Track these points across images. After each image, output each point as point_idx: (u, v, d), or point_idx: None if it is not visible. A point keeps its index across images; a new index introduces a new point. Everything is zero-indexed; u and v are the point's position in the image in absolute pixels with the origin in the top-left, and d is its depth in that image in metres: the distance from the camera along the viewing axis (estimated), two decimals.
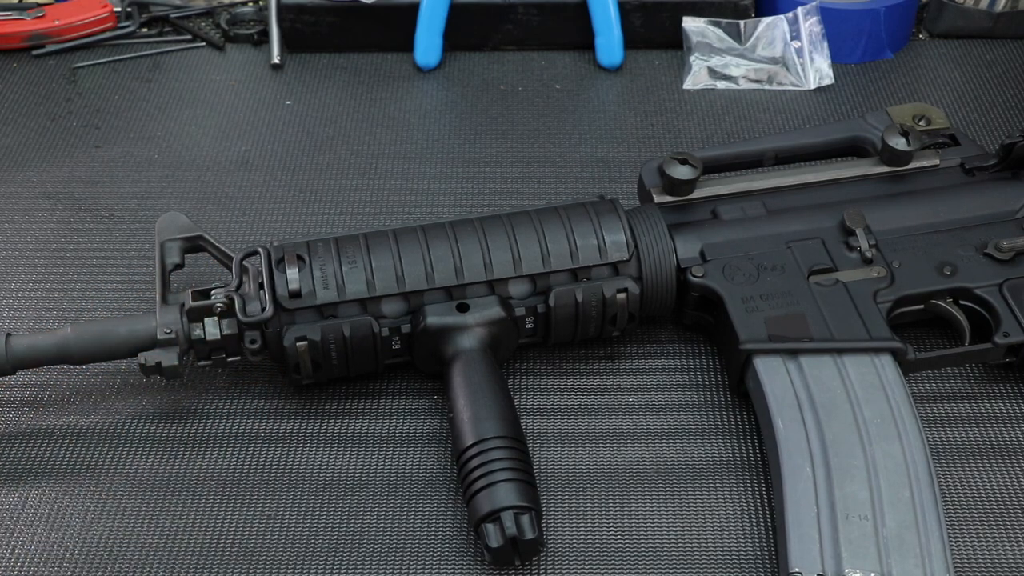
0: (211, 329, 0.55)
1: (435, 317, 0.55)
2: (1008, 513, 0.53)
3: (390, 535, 0.52)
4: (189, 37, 0.87)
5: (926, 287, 0.57)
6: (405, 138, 0.77)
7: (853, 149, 0.65)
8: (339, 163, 0.75)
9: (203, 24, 0.89)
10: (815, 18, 0.81)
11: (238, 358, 0.56)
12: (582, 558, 0.51)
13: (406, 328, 0.55)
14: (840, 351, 0.54)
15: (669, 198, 0.61)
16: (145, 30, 0.88)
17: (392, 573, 0.51)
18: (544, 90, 0.82)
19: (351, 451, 0.56)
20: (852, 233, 0.59)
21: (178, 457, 0.56)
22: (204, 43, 0.87)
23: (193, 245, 0.60)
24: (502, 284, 0.56)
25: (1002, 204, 0.61)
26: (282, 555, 0.51)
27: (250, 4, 0.89)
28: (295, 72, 0.84)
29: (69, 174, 0.75)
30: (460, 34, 0.84)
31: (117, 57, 0.85)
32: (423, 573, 0.51)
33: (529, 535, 0.48)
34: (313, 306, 0.55)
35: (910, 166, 0.62)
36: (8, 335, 0.55)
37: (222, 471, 0.55)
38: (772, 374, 0.54)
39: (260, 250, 0.57)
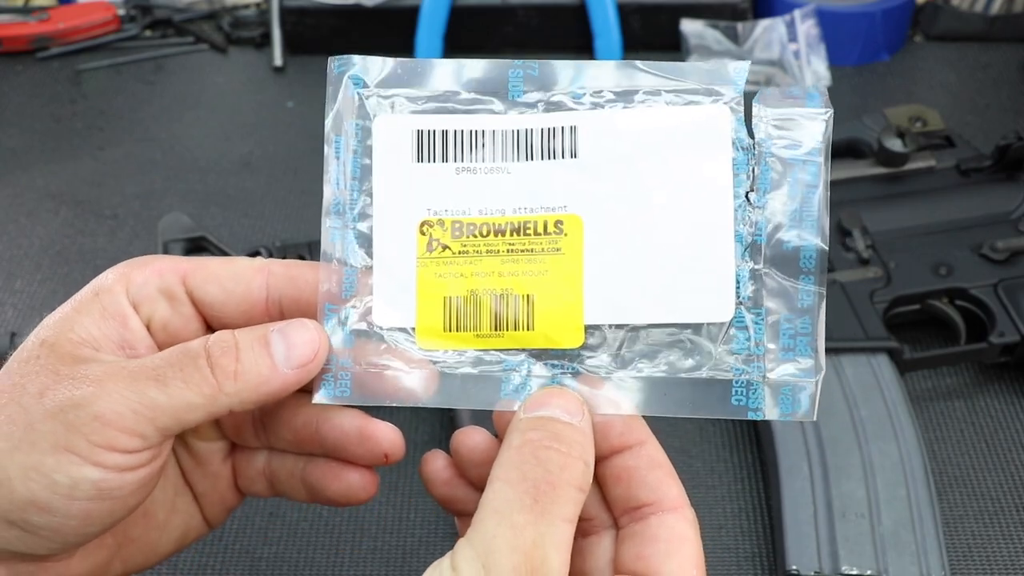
0: None
1: None
2: (1003, 511, 0.53)
3: (391, 533, 0.53)
4: (192, 40, 0.88)
5: (922, 287, 0.58)
6: None
7: (850, 150, 0.66)
8: None
9: (206, 27, 0.89)
10: (812, 21, 0.82)
11: None
12: None
13: None
14: (837, 351, 0.55)
15: None
16: (148, 33, 0.89)
17: (392, 570, 0.51)
18: None
19: None
20: (849, 234, 0.59)
21: None
22: (207, 46, 0.87)
23: (196, 246, 0.61)
24: None
25: (997, 205, 0.61)
26: (283, 552, 0.52)
27: (252, 7, 0.90)
28: (297, 74, 0.85)
29: (73, 175, 0.75)
30: (460, 36, 0.85)
31: (121, 60, 0.86)
32: (423, 570, 0.51)
33: None
34: None
35: (906, 167, 0.63)
36: (12, 334, 0.55)
37: None
38: None
39: (262, 250, 0.57)
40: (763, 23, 0.83)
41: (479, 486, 0.34)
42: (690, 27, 0.83)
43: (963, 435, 0.57)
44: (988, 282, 0.58)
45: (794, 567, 0.48)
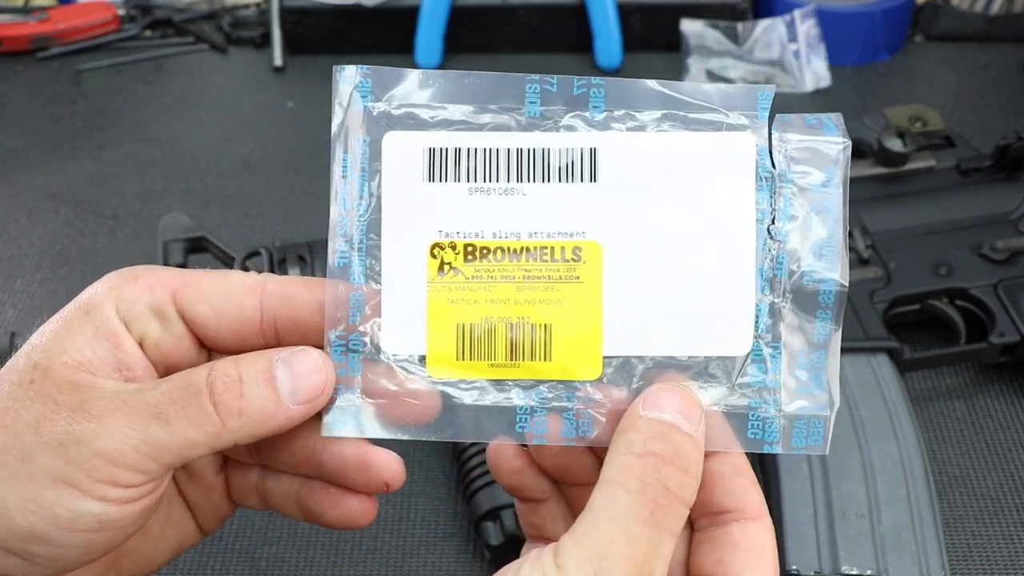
0: None
1: None
2: (1003, 511, 0.53)
3: (391, 533, 0.53)
4: (192, 40, 0.88)
5: (922, 287, 0.58)
6: None
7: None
8: None
9: (206, 27, 0.89)
10: (812, 20, 0.82)
11: None
12: None
13: None
14: None
15: None
16: (148, 33, 0.89)
17: (392, 570, 0.51)
18: None
19: None
20: (849, 234, 0.59)
21: None
22: (207, 46, 0.87)
23: (196, 246, 0.60)
24: None
25: (997, 205, 0.61)
26: (283, 552, 0.52)
27: (252, 7, 0.90)
28: (297, 74, 0.85)
29: (73, 175, 0.75)
30: (460, 36, 0.85)
31: (121, 60, 0.86)
32: (423, 571, 0.51)
33: None
34: None
35: (906, 167, 0.63)
36: (12, 335, 0.55)
37: None
38: None
39: (262, 250, 0.57)
40: (763, 23, 0.83)
41: (551, 474, 0.35)
42: (690, 27, 0.83)
43: (963, 435, 0.57)
44: (988, 282, 0.58)
45: (794, 567, 0.48)
